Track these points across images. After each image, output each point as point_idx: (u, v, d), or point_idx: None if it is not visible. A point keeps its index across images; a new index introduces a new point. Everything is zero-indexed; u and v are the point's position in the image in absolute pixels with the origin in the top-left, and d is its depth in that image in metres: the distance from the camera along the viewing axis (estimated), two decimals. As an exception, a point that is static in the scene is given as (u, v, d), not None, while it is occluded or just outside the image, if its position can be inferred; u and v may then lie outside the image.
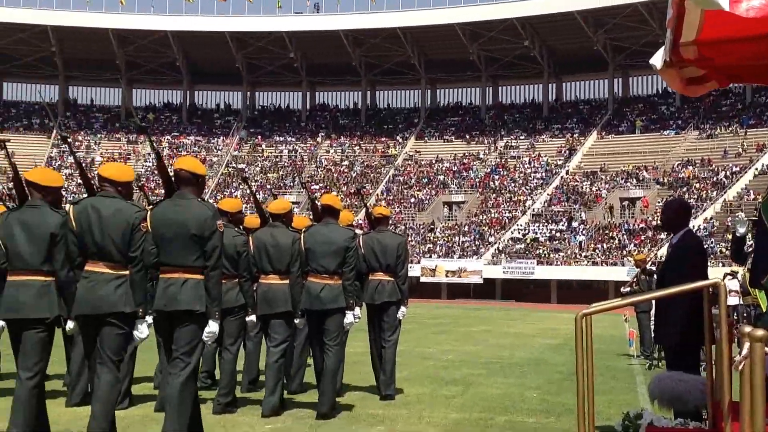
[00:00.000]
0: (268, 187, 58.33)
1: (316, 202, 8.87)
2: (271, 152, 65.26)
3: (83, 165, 6.75)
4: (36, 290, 5.86)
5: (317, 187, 58.34)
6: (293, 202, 46.16)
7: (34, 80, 69.42)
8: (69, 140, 7.42)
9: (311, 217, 9.22)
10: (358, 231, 8.50)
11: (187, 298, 5.65)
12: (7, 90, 69.46)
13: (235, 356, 8.23)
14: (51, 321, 5.88)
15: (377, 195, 57.83)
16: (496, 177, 58.19)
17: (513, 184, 57.00)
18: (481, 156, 60.98)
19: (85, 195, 6.36)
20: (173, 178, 5.95)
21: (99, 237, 5.68)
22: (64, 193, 6.41)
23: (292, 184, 59.66)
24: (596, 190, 53.68)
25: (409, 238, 50.69)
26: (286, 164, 63.55)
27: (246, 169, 62.14)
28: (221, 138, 67.11)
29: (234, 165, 63.22)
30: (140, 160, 63.55)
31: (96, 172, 6.09)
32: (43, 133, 65.25)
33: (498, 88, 67.65)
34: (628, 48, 59.25)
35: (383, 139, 65.24)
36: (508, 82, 67.33)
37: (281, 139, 66.87)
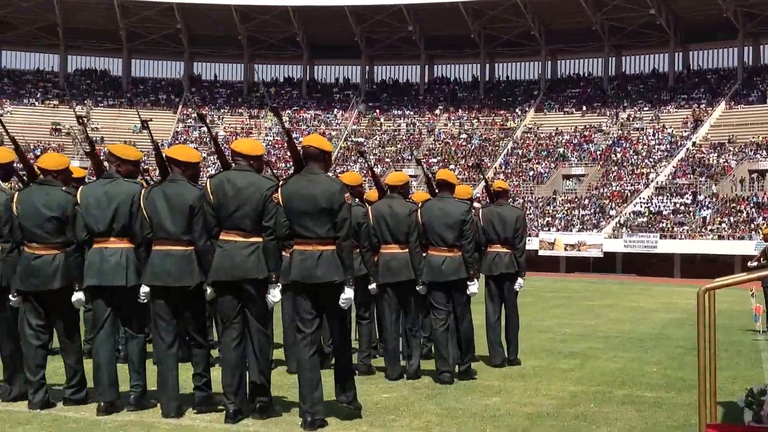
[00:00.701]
0: (387, 160, 58.67)
1: (431, 178, 9.07)
2: (389, 126, 65.51)
3: (215, 140, 7.09)
4: (178, 259, 6.25)
5: (435, 160, 58.31)
6: (411, 176, 46.31)
7: (160, 57, 71.57)
8: (205, 118, 7.84)
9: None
10: (476, 204, 8.60)
11: (324, 271, 6.01)
12: (136, 67, 71.81)
13: (371, 321, 8.73)
14: (193, 288, 6.27)
15: (495, 168, 57.39)
16: (618, 149, 56.87)
17: (636, 157, 55.61)
18: (603, 128, 59.68)
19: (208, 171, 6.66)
20: (302, 155, 6.25)
21: (234, 208, 6.09)
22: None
23: (410, 157, 59.82)
24: (724, 162, 51.84)
25: (528, 212, 50.19)
26: (404, 138, 63.72)
27: (364, 143, 62.62)
28: (340, 112, 67.77)
29: (352, 139, 63.81)
30: (262, 133, 64.85)
31: (229, 148, 6.43)
32: (169, 108, 67.27)
33: (621, 58, 65.89)
34: (759, 15, 56.73)
35: (502, 111, 64.59)
36: (631, 51, 65.50)
37: (399, 112, 67.02)
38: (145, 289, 6.37)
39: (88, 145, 7.23)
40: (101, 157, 7.33)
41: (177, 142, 62.95)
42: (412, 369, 8.25)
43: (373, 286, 8.25)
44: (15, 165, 7.36)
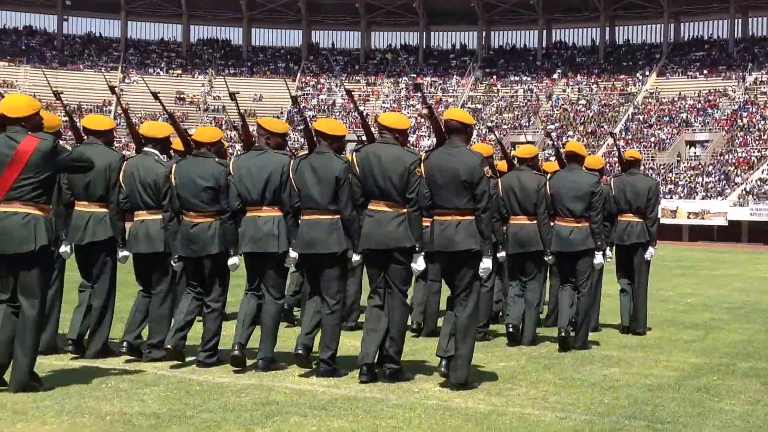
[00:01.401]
0: (504, 127, 58.04)
1: (560, 149, 9.28)
2: (506, 92, 64.70)
3: (431, 109, 7.19)
4: (326, 228, 6.52)
5: (553, 127, 57.36)
6: (528, 142, 45.70)
7: (279, 26, 72.50)
8: (421, 88, 8.16)
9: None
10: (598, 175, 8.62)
11: (462, 239, 6.22)
12: (256, 36, 72.94)
13: (491, 290, 8.82)
14: (341, 254, 6.54)
15: (615, 135, 56.02)
16: (744, 114, 54.65)
17: (763, 122, 53.33)
18: (728, 92, 57.42)
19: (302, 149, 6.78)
20: (444, 128, 6.47)
21: (380, 180, 6.38)
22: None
23: (527, 124, 59.02)
24: None
25: (649, 179, 48.80)
26: (521, 104, 62.87)
27: (481, 110, 62.09)
28: (456, 79, 67.30)
29: (469, 106, 63.36)
30: (379, 100, 65.05)
31: (377, 121, 6.65)
32: (288, 76, 68.22)
33: (748, 19, 63.11)
34: None
35: (622, 76, 62.87)
36: (759, 12, 62.63)
37: (516, 78, 66.08)
38: (293, 254, 6.72)
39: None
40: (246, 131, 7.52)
41: (296, 110, 63.86)
42: (527, 339, 8.28)
43: (502, 254, 8.44)
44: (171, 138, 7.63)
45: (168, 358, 6.85)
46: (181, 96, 62.94)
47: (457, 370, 6.26)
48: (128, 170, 7.09)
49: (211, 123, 58.66)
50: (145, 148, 7.25)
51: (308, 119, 7.22)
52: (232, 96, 7.58)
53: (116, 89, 7.63)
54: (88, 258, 7.20)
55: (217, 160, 7.02)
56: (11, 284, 5.83)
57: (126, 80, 64.02)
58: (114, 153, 7.23)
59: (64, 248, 7.18)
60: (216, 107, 62.81)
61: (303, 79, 68.16)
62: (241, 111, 7.55)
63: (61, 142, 6.00)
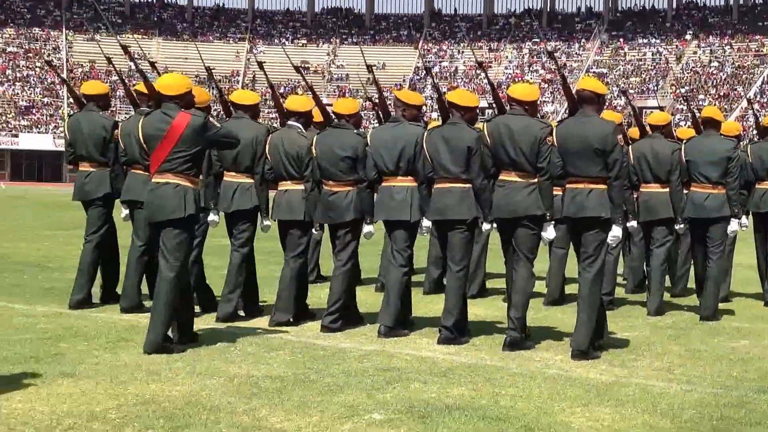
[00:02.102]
0: (630, 91, 56.55)
1: (697, 115, 9.10)
2: (633, 55, 62.92)
3: (563, 77, 7.39)
4: (458, 196, 6.69)
5: (683, 90, 55.48)
6: (658, 107, 44.36)
7: (402, -7, 72.49)
8: (554, 55, 8.36)
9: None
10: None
11: (593, 206, 6.27)
12: (378, 3, 73.18)
13: (616, 258, 8.78)
14: (470, 221, 6.72)
15: (751, 99, 53.81)
16: None
17: None
18: None
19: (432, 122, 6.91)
20: (576, 97, 6.53)
21: (511, 150, 6.46)
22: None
23: (655, 88, 57.29)
24: None
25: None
26: (649, 68, 61.03)
27: (607, 74, 60.59)
28: (581, 42, 65.83)
29: (594, 70, 61.93)
30: (501, 66, 64.33)
31: (506, 92, 6.80)
32: (410, 44, 68.17)
33: None
34: None
35: (757, 37, 60.16)
36: None
37: (644, 41, 64.13)
38: (426, 223, 6.95)
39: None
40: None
41: (418, 78, 63.81)
42: (652, 308, 8.16)
43: (632, 223, 8.34)
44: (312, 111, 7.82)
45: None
46: (306, 66, 63.83)
47: (576, 336, 6.24)
48: (273, 143, 7.37)
49: (334, 92, 59.30)
50: (289, 122, 7.52)
51: (440, 90, 7.40)
52: (260, 65, 8.20)
53: (262, 64, 8.23)
54: (232, 225, 7.58)
55: (355, 131, 7.24)
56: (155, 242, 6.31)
57: (253, 51, 65.32)
58: (260, 126, 7.60)
59: (212, 216, 7.53)
60: (340, 76, 63.41)
61: (425, 47, 68.02)
62: (361, 81, 7.82)
63: (210, 119, 6.34)
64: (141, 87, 7.76)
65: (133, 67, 8.19)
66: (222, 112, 8.48)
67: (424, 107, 7.61)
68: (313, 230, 7.36)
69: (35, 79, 63.51)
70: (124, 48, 7.75)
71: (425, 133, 6.88)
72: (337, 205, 7.10)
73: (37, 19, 68.11)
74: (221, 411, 4.65)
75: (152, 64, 7.64)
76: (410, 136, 6.93)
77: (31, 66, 64.28)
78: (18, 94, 62.34)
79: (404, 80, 61.58)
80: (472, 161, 6.64)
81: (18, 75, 63.62)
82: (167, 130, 6.06)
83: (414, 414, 4.66)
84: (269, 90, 8.23)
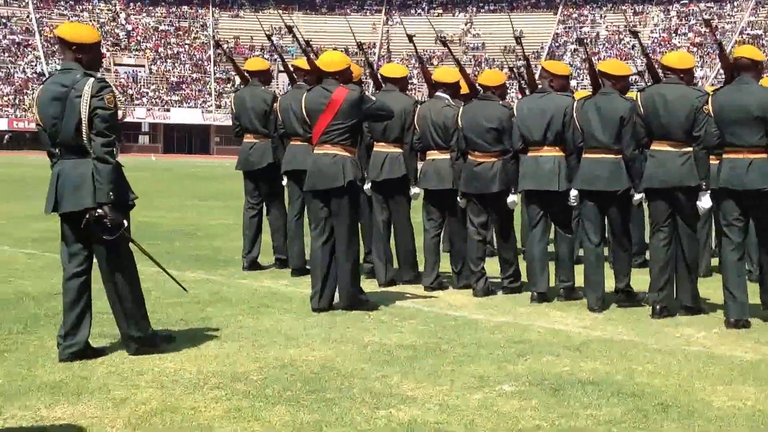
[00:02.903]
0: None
1: None
2: (791, 17, 59.78)
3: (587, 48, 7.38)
4: (608, 166, 6.74)
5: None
6: None
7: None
8: (711, 25, 8.39)
9: None
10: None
11: (754, 178, 6.16)
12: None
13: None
14: (622, 192, 6.78)
15: None
16: None
17: None
18: None
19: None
20: (733, 65, 6.42)
21: (665, 119, 6.45)
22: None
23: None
24: None
25: None
26: (806, 29, 57.86)
27: (761, 37, 57.78)
28: (734, 3, 62.95)
29: (748, 32, 59.14)
30: (647, 28, 62.29)
31: (660, 61, 6.78)
32: (549, 9, 66.86)
33: None
34: None
35: None
36: None
37: (801, 0, 60.81)
38: (574, 192, 6.97)
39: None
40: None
41: (557, 45, 62.60)
42: None
43: None
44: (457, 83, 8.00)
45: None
46: (443, 36, 63.60)
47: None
48: (421, 113, 7.63)
49: (470, 62, 58.91)
50: (437, 93, 7.73)
51: (592, 59, 7.49)
52: (410, 38, 8.23)
53: (412, 37, 8.50)
54: (383, 194, 7.87)
55: (501, 102, 7.38)
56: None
57: (389, 22, 65.58)
58: (409, 98, 7.87)
59: (365, 186, 7.82)
60: (476, 45, 62.93)
61: (565, 12, 66.61)
62: (501, 50, 7.91)
63: (366, 92, 6.68)
64: (299, 63, 8.25)
65: (295, 44, 8.68)
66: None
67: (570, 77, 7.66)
68: (458, 199, 7.52)
69: (185, 56, 65.81)
70: (289, 28, 8.13)
71: (575, 103, 6.95)
72: (483, 176, 7.27)
73: (185, -3, 70.46)
74: (355, 377, 4.79)
75: (307, 43, 7.96)
76: (558, 106, 7.00)
77: (180, 43, 66.67)
78: (169, 70, 64.83)
79: (542, 47, 60.56)
80: (623, 131, 6.67)
81: (169, 52, 66.09)
82: (327, 104, 6.45)
83: (545, 387, 4.66)
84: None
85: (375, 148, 7.74)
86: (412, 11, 67.81)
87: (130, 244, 5.06)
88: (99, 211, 4.80)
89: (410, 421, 4.08)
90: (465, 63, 55.38)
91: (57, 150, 4.96)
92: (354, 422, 4.04)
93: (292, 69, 8.36)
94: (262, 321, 6.20)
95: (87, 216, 4.82)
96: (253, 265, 8.44)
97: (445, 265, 7.90)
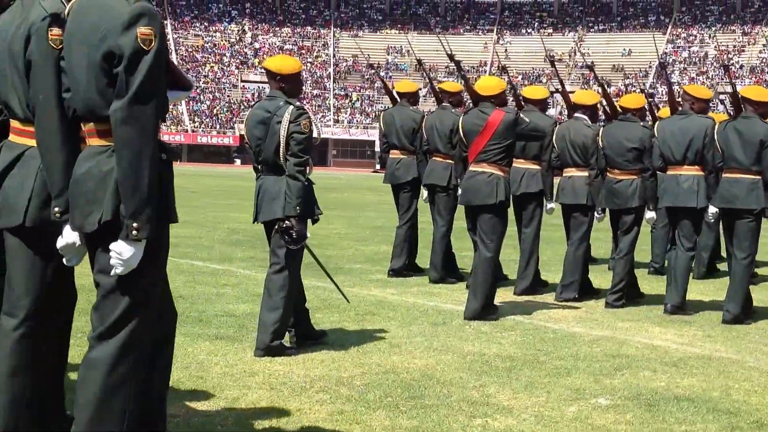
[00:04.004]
0: None
1: None
2: None
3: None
4: (746, 186, 6.82)
5: None
6: None
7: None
8: None
9: None
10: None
11: None
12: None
13: None
14: (758, 212, 6.82)
15: None
16: None
17: None
18: None
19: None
20: None
21: None
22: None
23: None
24: None
25: None
26: None
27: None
28: None
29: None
30: (755, 47, 60.05)
31: None
32: (658, 29, 65.26)
33: None
34: None
35: None
36: None
37: None
38: (713, 210, 7.03)
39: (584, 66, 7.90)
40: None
41: (666, 64, 61.02)
42: None
43: None
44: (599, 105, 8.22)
45: None
46: (551, 54, 62.90)
47: None
48: (560, 133, 7.83)
49: (578, 80, 58.01)
50: (576, 114, 7.92)
51: (735, 85, 7.58)
52: (451, 57, 8.00)
53: (551, 56, 8.55)
54: (521, 207, 8.09)
55: (642, 123, 7.52)
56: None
57: (500, 41, 65.25)
58: (549, 118, 8.10)
59: (424, 194, 8.03)
60: (583, 64, 61.88)
61: (674, 32, 64.89)
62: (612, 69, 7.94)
63: (521, 114, 6.87)
64: (445, 86, 8.67)
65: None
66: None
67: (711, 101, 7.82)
68: (596, 214, 7.66)
69: (306, 73, 67.08)
70: (450, 57, 8.24)
71: (717, 126, 7.00)
72: (622, 192, 7.39)
73: (309, 18, 71.84)
74: (453, 385, 4.75)
75: (457, 63, 8.10)
76: (699, 128, 7.04)
77: (303, 61, 67.91)
78: (290, 86, 66.20)
79: (650, 66, 59.08)
80: (763, 154, 6.74)
81: (290, 69, 67.50)
82: (484, 125, 6.65)
83: (641, 402, 4.53)
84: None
85: (514, 164, 7.49)
86: (523, 30, 67.27)
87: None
88: (287, 222, 5.18)
89: (505, 430, 4.02)
90: (572, 81, 54.55)
91: (260, 167, 5.42)
92: (451, 429, 4.00)
93: (438, 91, 8.70)
94: (366, 328, 6.22)
95: (277, 226, 5.25)
96: (397, 273, 8.64)
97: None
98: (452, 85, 8.85)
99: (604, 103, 8.20)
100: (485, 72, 61.49)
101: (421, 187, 8.56)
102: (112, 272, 2.79)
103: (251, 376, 4.81)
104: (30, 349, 3.13)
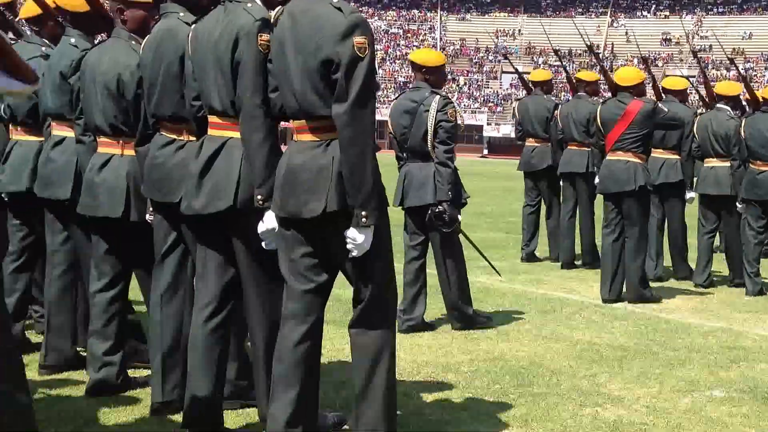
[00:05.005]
0: None
1: None
2: None
3: None
4: None
5: None
6: None
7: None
8: None
9: None
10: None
11: None
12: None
13: None
14: None
15: None
16: None
17: None
18: None
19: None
20: None
21: None
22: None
23: None
24: None
25: None
26: None
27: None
28: None
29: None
30: None
31: None
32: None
33: None
34: None
35: None
36: None
37: None
38: None
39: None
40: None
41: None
42: None
43: None
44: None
45: None
46: (667, 37, 61.07)
47: None
48: (702, 123, 7.84)
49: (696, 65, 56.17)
50: (718, 104, 7.91)
51: None
52: (590, 48, 8.30)
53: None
54: (659, 196, 7.97)
55: None
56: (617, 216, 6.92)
57: (614, 24, 63.78)
58: (688, 108, 8.14)
59: (690, 194, 8.09)
60: (702, 47, 59.93)
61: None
62: (725, 52, 7.80)
63: (659, 104, 7.05)
64: (582, 75, 8.87)
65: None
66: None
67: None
68: (737, 204, 7.57)
69: (412, 57, 67.22)
70: (589, 47, 8.37)
71: None
72: (765, 184, 7.31)
73: (415, 1, 71.85)
74: (562, 374, 4.75)
75: (596, 55, 8.15)
76: None
77: (409, 45, 68.04)
78: (397, 70, 66.34)
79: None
80: None
81: (397, 53, 67.65)
82: (621, 114, 6.76)
83: (757, 395, 4.44)
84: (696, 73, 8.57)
85: (653, 154, 7.54)
86: (638, 13, 65.50)
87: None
88: (439, 207, 5.43)
89: (616, 420, 4.00)
90: (690, 65, 52.90)
91: (404, 154, 5.74)
92: (560, 418, 4.01)
93: (574, 80, 8.85)
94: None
95: (429, 211, 5.48)
96: (531, 257, 8.90)
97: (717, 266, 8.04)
98: (589, 74, 9.01)
99: (744, 92, 8.02)
100: (598, 55, 60.24)
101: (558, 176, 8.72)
102: (350, 255, 3.10)
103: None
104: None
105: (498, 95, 60.03)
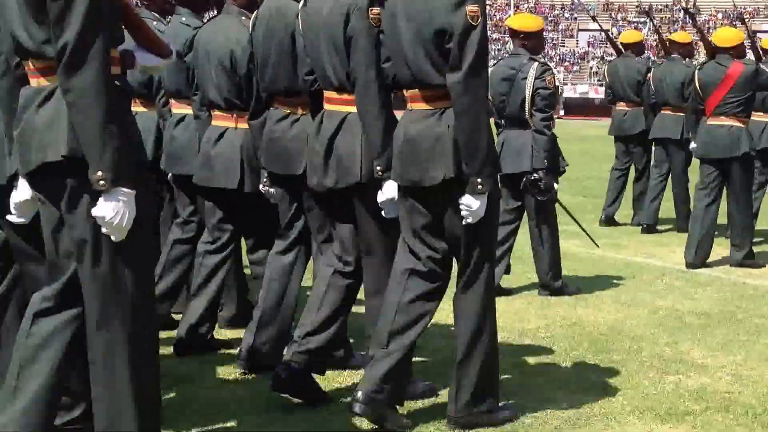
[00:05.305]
0: None
1: None
2: None
3: None
4: None
5: None
6: None
7: None
8: None
9: None
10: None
11: None
12: None
13: None
14: None
15: None
16: None
17: None
18: None
19: None
20: None
21: None
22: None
23: None
24: None
25: None
26: None
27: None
28: None
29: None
30: None
31: None
32: None
33: None
34: None
35: None
36: None
37: None
38: None
39: None
40: None
41: None
42: None
43: None
44: None
45: None
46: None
47: None
48: None
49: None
50: None
51: None
52: (686, 11, 7.99)
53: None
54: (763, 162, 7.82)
55: None
56: None
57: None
58: None
59: None
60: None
61: None
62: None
63: (762, 66, 6.92)
64: (675, 36, 8.66)
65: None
66: None
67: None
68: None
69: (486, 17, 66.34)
70: (685, 9, 8.17)
71: None
72: None
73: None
74: (643, 341, 4.65)
75: (693, 16, 7.97)
76: None
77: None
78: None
79: None
80: None
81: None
82: (722, 78, 6.59)
83: None
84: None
85: (754, 117, 7.24)
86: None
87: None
88: (535, 175, 5.38)
89: (699, 388, 3.90)
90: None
91: (503, 121, 5.67)
92: (641, 386, 3.92)
93: (667, 42, 8.63)
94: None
95: (525, 178, 5.42)
96: (610, 221, 8.76)
97: None
98: (682, 35, 8.77)
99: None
100: (678, 10, 58.52)
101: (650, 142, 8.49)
102: (464, 222, 3.18)
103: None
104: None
105: (575, 54, 58.87)
